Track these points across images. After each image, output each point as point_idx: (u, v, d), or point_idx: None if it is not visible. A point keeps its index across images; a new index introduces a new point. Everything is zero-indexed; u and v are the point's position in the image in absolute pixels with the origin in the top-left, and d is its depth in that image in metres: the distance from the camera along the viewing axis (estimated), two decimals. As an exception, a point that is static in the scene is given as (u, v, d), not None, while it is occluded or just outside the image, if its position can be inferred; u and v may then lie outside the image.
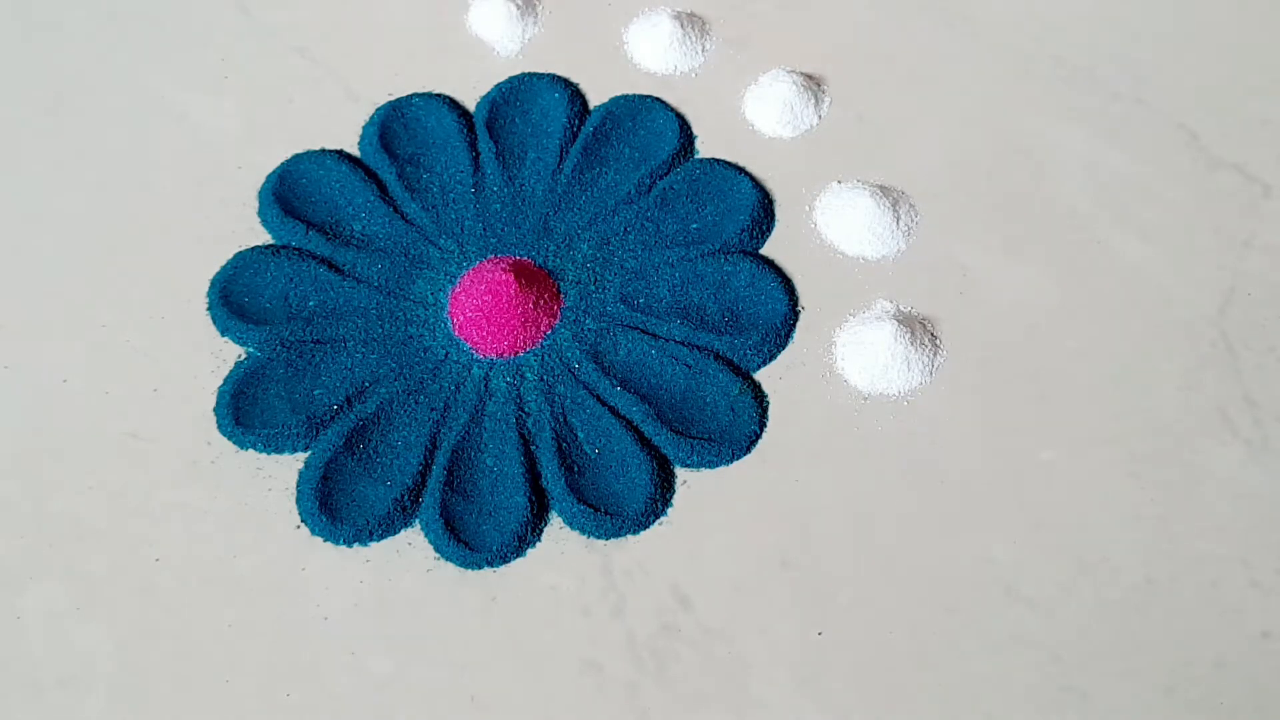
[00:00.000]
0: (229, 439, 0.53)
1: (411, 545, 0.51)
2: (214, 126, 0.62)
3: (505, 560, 0.51)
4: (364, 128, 0.62)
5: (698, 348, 0.55)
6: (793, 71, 0.62)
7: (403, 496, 0.51)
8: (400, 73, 0.63)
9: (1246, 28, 0.64)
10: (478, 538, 0.51)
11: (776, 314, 0.55)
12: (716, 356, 0.55)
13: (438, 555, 0.51)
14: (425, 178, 0.60)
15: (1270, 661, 0.48)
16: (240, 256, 0.58)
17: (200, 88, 0.63)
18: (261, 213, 0.59)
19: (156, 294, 0.57)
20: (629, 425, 0.53)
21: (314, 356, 0.55)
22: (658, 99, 0.62)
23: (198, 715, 0.48)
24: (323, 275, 0.57)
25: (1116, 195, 0.59)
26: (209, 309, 0.57)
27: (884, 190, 0.58)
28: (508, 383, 0.54)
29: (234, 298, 0.56)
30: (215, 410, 0.54)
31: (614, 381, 0.54)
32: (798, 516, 0.51)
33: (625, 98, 0.62)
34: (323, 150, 0.61)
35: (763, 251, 0.58)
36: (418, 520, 0.52)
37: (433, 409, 0.54)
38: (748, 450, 0.53)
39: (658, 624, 0.49)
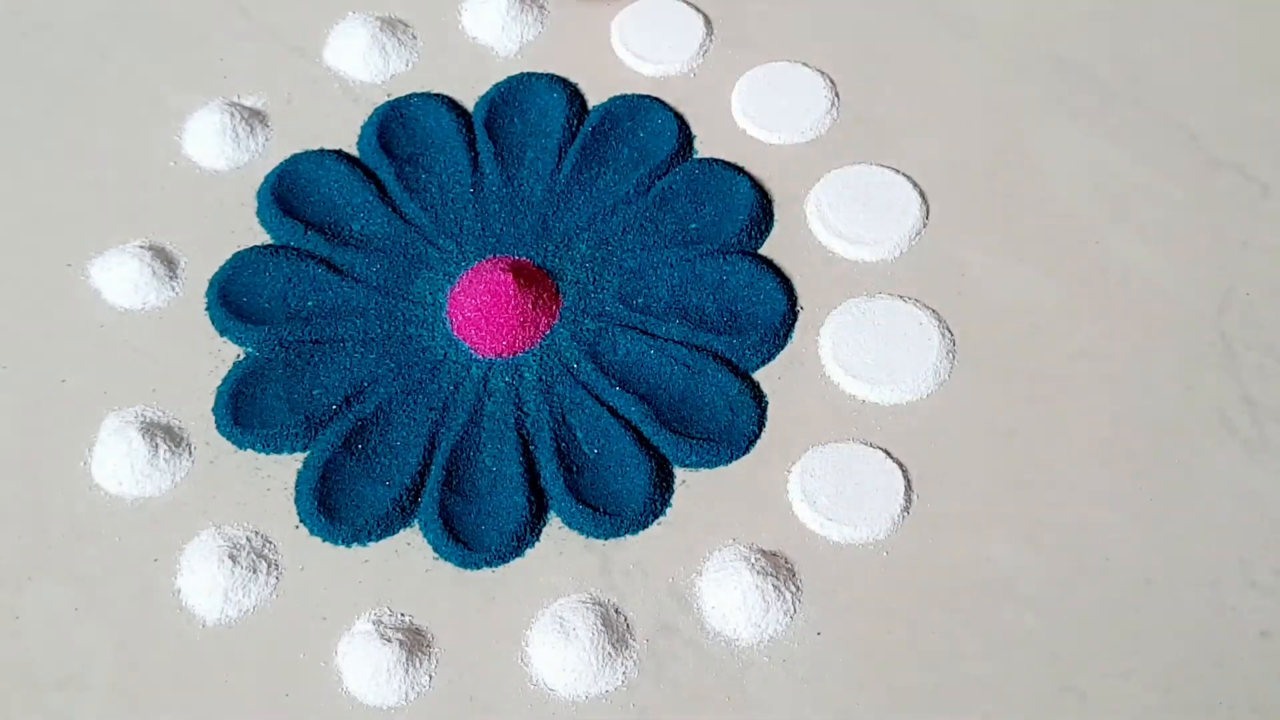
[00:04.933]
0: (228, 439, 0.53)
1: (410, 545, 0.51)
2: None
3: (504, 560, 0.51)
4: (363, 128, 0.62)
5: (697, 348, 0.55)
6: (792, 71, 0.62)
7: (401, 496, 0.51)
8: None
9: (1246, 28, 0.63)
10: (476, 538, 0.51)
11: (775, 314, 0.55)
12: (715, 356, 0.54)
13: (436, 555, 0.51)
14: (424, 178, 0.60)
15: (1270, 661, 0.48)
16: (239, 256, 0.58)
17: (200, 88, 0.63)
18: (260, 212, 0.59)
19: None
20: (628, 425, 0.53)
21: (313, 356, 0.55)
22: (656, 99, 0.62)
23: (196, 715, 0.48)
24: (321, 275, 0.57)
25: (1116, 195, 0.59)
26: (208, 309, 0.57)
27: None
28: (506, 383, 0.54)
29: (233, 297, 0.56)
30: (214, 410, 0.54)
31: (613, 381, 0.54)
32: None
33: (624, 98, 0.62)
34: (321, 150, 0.61)
35: (761, 251, 0.58)
36: (416, 520, 0.52)
37: (431, 409, 0.54)
38: (747, 450, 0.53)
39: (657, 624, 0.49)
